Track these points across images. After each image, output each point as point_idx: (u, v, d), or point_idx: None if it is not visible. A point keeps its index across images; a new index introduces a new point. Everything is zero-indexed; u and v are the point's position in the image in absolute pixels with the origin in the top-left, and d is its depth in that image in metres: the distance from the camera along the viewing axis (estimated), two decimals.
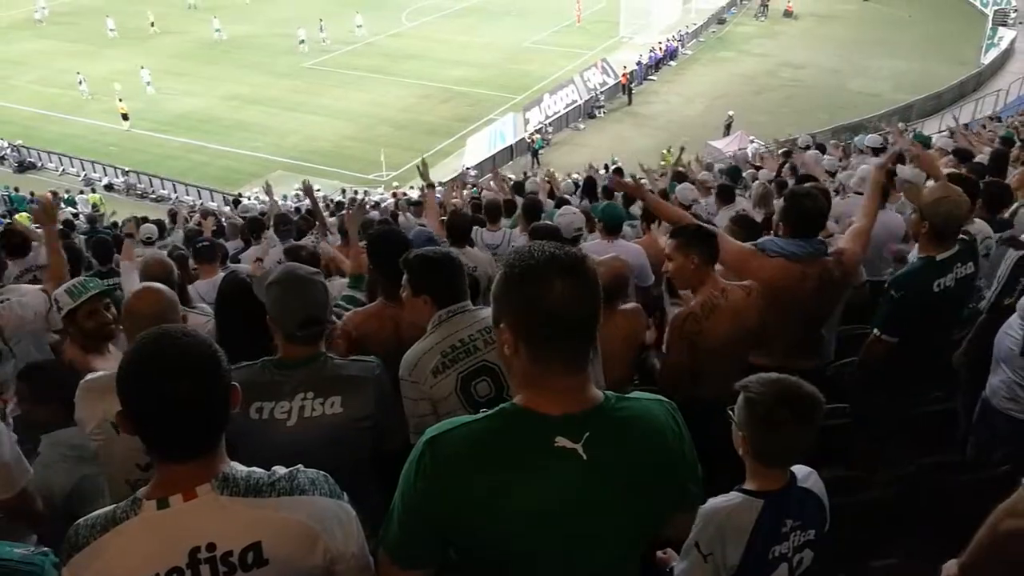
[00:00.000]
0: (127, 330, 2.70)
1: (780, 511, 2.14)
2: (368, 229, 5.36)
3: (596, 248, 4.91)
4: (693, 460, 1.61)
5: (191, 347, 1.52)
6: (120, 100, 28.81)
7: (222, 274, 5.42)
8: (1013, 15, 34.48)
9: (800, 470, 2.22)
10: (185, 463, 1.52)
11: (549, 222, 5.02)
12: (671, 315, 3.51)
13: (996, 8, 35.58)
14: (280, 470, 1.61)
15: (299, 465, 1.65)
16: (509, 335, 1.46)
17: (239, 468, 1.58)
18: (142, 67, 31.88)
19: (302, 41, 35.90)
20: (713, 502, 2.15)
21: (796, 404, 2.10)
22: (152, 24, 38.74)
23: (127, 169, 25.70)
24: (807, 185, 5.17)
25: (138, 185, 25.38)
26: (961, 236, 3.56)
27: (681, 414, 1.62)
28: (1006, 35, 32.66)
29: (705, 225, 3.65)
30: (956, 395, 3.89)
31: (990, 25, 34.17)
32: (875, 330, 3.59)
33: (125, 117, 28.70)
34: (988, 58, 31.82)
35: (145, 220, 11.59)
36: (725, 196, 7.47)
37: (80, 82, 31.09)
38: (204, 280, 5.58)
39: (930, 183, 4.92)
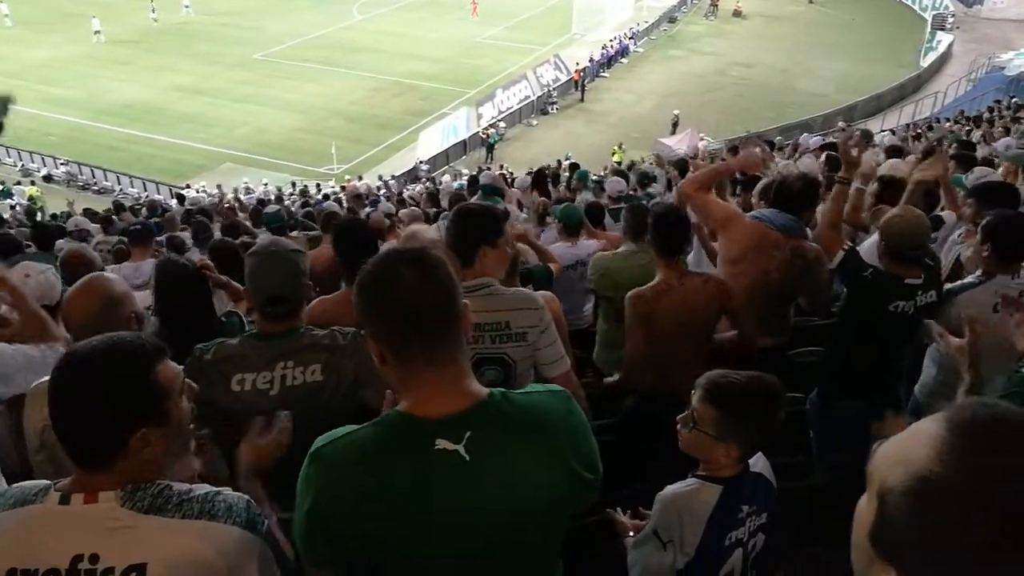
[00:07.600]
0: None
1: (736, 496, 2.15)
2: (332, 220, 5.28)
3: (558, 250, 4.79)
4: (588, 449, 1.56)
5: (104, 356, 1.45)
6: None
7: (152, 260, 4.99)
8: (951, 19, 35.70)
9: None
10: (90, 471, 1.45)
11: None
12: None
13: (935, 13, 36.79)
14: (200, 489, 1.49)
15: (227, 488, 1.55)
16: (374, 343, 1.43)
17: (160, 483, 1.47)
18: None
19: (97, 31, 34.46)
20: (671, 489, 2.16)
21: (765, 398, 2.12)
22: None
23: (66, 159, 24.81)
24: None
25: (80, 176, 24.55)
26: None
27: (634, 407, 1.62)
28: (944, 39, 33.80)
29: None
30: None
31: (929, 29, 35.27)
32: None
33: None
34: (927, 61, 32.90)
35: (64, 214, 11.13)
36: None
37: None
38: (131, 263, 5.24)
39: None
